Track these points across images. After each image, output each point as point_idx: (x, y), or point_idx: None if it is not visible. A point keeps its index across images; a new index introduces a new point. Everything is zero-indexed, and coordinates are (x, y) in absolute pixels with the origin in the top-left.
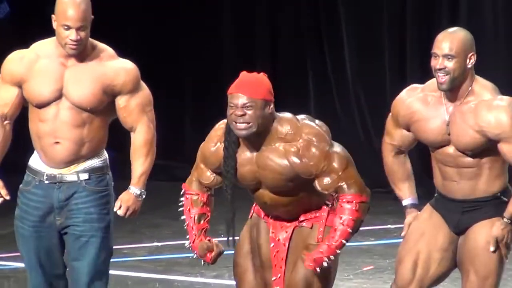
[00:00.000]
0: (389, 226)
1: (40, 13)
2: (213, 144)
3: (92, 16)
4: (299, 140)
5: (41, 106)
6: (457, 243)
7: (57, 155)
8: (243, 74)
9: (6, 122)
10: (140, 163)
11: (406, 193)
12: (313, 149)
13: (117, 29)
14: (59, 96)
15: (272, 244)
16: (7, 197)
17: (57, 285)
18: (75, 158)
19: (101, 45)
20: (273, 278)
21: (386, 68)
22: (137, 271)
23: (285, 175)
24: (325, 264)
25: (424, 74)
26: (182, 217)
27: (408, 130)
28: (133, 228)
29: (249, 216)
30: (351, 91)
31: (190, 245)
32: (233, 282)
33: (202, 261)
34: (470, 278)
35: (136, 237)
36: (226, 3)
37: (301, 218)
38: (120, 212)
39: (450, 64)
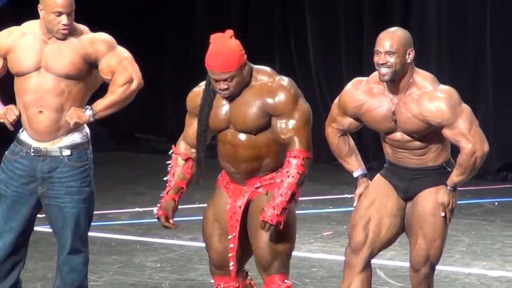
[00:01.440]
0: (346, 195)
1: (36, 2)
2: (195, 89)
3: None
4: (271, 81)
5: (20, 74)
6: (405, 209)
7: (41, 124)
8: (214, 45)
9: None
10: (111, 95)
11: (355, 165)
12: (285, 92)
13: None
14: (37, 67)
15: (229, 207)
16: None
17: (20, 250)
18: (57, 127)
19: (78, 25)
20: (229, 237)
21: (343, 60)
22: (120, 234)
23: (255, 112)
24: (278, 217)
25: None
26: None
27: (357, 120)
28: (117, 196)
29: (215, 187)
30: (314, 79)
31: (162, 198)
32: None
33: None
34: (418, 241)
35: (119, 203)
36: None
37: (257, 184)
38: (68, 118)
39: (391, 59)
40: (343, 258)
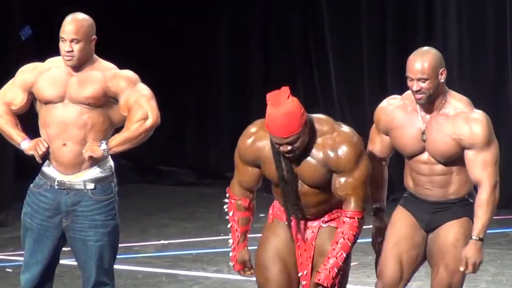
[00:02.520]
0: (370, 226)
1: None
2: (248, 140)
3: (95, 37)
4: (334, 134)
5: (47, 102)
6: (427, 239)
7: (64, 157)
8: (273, 108)
9: (13, 112)
10: (127, 129)
11: (377, 197)
12: (348, 147)
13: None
14: (62, 97)
15: (298, 244)
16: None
17: (46, 283)
18: (81, 160)
19: (104, 61)
20: (299, 274)
21: (365, 80)
22: (146, 266)
23: (320, 170)
24: (333, 279)
25: (401, 86)
26: (226, 217)
27: (388, 135)
28: (142, 228)
29: (269, 221)
30: (336, 102)
31: (232, 250)
32: (232, 276)
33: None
34: (440, 271)
35: (144, 236)
36: (222, 18)
37: (326, 218)
38: (85, 152)
39: (424, 85)
40: (368, 287)
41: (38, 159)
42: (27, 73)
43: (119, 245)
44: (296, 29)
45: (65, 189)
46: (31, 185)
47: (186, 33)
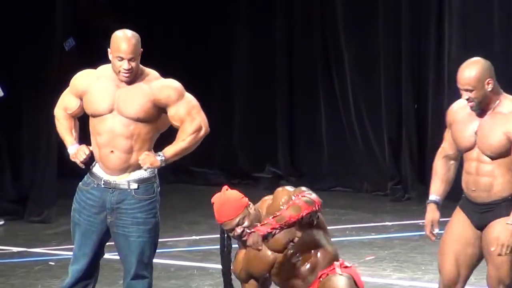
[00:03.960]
0: (386, 223)
1: (100, 47)
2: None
3: (141, 49)
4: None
5: (95, 115)
6: (480, 238)
7: (111, 163)
8: (215, 203)
9: (72, 116)
10: (180, 140)
11: (435, 190)
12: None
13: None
14: (111, 109)
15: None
16: (88, 152)
17: (91, 275)
18: (127, 166)
19: (147, 69)
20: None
21: (382, 85)
22: (179, 260)
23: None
24: None
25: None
26: None
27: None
28: (175, 225)
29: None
30: (352, 109)
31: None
32: None
33: None
34: (489, 267)
35: (177, 232)
36: (243, 23)
37: None
38: (141, 160)
39: (471, 94)
40: (384, 280)
41: (80, 165)
42: (80, 80)
43: None
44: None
45: (110, 188)
46: (80, 183)
47: (210, 33)
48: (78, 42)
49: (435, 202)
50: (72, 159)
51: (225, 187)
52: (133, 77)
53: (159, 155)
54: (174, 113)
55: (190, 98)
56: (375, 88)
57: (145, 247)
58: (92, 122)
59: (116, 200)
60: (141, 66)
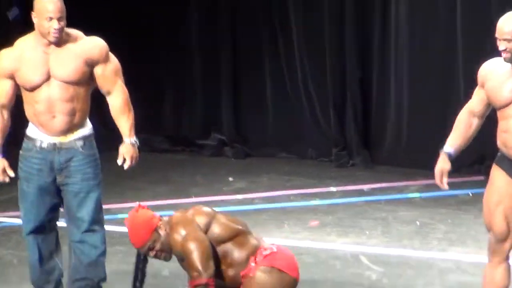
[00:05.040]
0: (331, 188)
1: None
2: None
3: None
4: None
5: (34, 89)
6: None
7: (55, 126)
8: (126, 226)
9: (4, 111)
10: (125, 119)
11: (452, 143)
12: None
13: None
14: (47, 78)
15: None
16: (12, 175)
17: (51, 231)
18: (70, 127)
19: (71, 30)
20: None
21: (327, 52)
22: (123, 226)
23: None
24: None
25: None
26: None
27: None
28: (119, 191)
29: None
30: (298, 75)
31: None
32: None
33: None
34: None
35: (121, 198)
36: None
37: None
38: (126, 164)
39: (509, 45)
40: (328, 245)
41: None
42: (4, 61)
43: None
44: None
45: (56, 149)
46: (21, 151)
47: (160, 14)
48: (22, 11)
49: (449, 154)
50: None
51: (136, 206)
52: (61, 38)
53: (131, 143)
54: (101, 72)
55: (114, 58)
56: (320, 54)
57: (97, 201)
58: (26, 94)
59: (65, 159)
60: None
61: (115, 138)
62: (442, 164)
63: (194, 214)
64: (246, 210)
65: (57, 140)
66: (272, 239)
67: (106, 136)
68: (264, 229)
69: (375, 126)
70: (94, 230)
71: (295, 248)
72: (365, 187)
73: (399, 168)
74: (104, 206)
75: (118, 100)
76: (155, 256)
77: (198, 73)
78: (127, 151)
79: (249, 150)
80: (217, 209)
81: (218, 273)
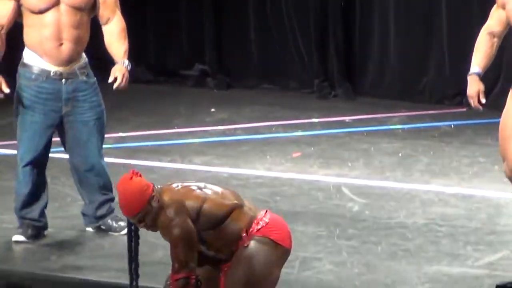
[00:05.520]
0: (313, 120)
1: None
2: None
3: None
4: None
5: (42, 12)
6: None
7: (61, 55)
8: (118, 192)
9: (2, 31)
10: (121, 44)
11: (478, 63)
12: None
13: None
14: (56, 2)
15: None
16: (7, 91)
17: (43, 172)
18: (74, 56)
19: None
20: None
21: None
22: (106, 157)
23: None
24: None
25: None
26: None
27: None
28: None
29: None
30: (282, 5)
31: None
32: (184, 166)
33: None
34: None
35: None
36: None
37: None
38: (117, 83)
39: None
40: (310, 177)
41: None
42: None
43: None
44: None
45: (62, 78)
46: (21, 81)
47: None
48: None
49: (478, 74)
50: None
51: (131, 172)
52: None
53: (124, 65)
54: (102, 1)
55: None
56: None
57: (103, 128)
58: (31, 18)
59: (72, 89)
60: None
61: (99, 67)
62: (477, 84)
63: (185, 197)
64: (228, 141)
65: (62, 69)
66: (254, 170)
67: (89, 65)
68: (246, 160)
69: (358, 57)
70: (102, 156)
71: (277, 179)
72: (347, 118)
73: (381, 100)
74: None
75: (116, 27)
76: (144, 227)
77: (182, 4)
78: (119, 69)
79: (232, 81)
80: (199, 140)
81: (213, 255)
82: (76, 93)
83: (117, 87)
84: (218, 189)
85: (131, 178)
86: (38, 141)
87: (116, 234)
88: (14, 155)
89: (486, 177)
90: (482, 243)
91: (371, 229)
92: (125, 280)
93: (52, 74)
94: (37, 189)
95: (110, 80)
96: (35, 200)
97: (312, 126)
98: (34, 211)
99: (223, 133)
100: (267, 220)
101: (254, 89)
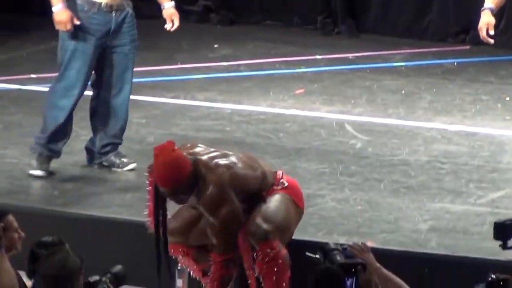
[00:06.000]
0: (317, 56)
1: None
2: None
3: None
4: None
5: None
6: None
7: None
8: (159, 163)
9: None
10: None
11: (490, 0)
12: (214, 187)
13: None
14: None
15: None
16: (78, 23)
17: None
18: None
19: None
20: None
21: None
22: None
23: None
24: None
25: None
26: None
27: None
28: None
29: None
30: None
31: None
32: (188, 102)
33: None
34: None
35: None
36: None
37: None
38: (175, 26)
39: None
40: (314, 113)
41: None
42: None
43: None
44: None
45: (112, 10)
46: (78, 12)
47: None
48: None
49: (491, 9)
50: (57, 25)
51: (170, 143)
52: None
53: (173, 5)
54: None
55: None
56: None
57: (134, 63)
58: None
59: (120, 21)
60: None
61: None
62: (487, 18)
63: (225, 172)
64: (231, 77)
65: (112, 1)
66: (257, 107)
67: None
68: (249, 96)
69: None
70: (130, 89)
71: (280, 115)
72: (351, 55)
73: (385, 37)
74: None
75: None
76: (174, 199)
77: None
78: (173, 13)
79: (235, 17)
80: (202, 76)
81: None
82: (122, 24)
83: (174, 29)
84: (244, 157)
85: (173, 150)
86: (87, 72)
87: (119, 170)
88: (17, 90)
89: (489, 115)
90: (484, 180)
91: (374, 166)
92: (126, 215)
93: (103, 5)
94: (69, 123)
95: (168, 27)
96: (65, 135)
97: (315, 62)
98: (59, 145)
99: (226, 69)
100: (285, 183)
101: (257, 25)
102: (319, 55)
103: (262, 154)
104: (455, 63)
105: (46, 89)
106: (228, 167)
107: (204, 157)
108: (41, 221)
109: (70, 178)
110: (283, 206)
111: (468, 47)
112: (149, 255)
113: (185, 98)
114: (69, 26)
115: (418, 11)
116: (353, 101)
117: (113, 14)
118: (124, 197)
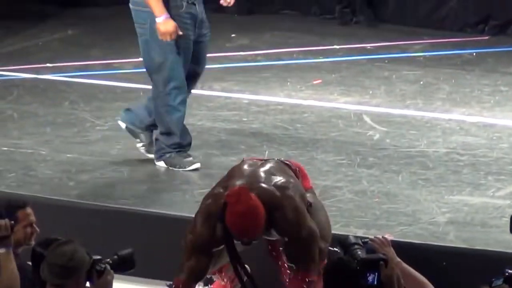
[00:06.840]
0: (335, 46)
1: None
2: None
3: None
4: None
5: None
6: None
7: None
8: (236, 214)
9: None
10: None
11: None
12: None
13: None
14: None
15: None
16: (181, 33)
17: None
18: None
19: None
20: None
21: None
22: (125, 82)
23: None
24: None
25: None
26: None
27: None
28: (122, 46)
29: None
30: None
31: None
32: (205, 92)
33: None
34: None
35: (124, 53)
36: None
37: None
38: (232, 2)
39: None
40: (331, 104)
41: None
42: None
43: (99, 62)
44: None
45: (194, 3)
46: (171, 12)
47: None
48: None
49: None
50: (162, 36)
51: (244, 189)
52: None
53: None
54: None
55: None
56: None
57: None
58: None
59: (201, 11)
60: None
61: None
62: None
63: (287, 193)
64: (248, 67)
65: None
66: (275, 97)
67: None
68: (266, 86)
69: None
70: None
71: (297, 106)
72: (369, 45)
73: (403, 27)
74: (106, 61)
75: None
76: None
77: None
78: None
79: (253, 7)
80: (219, 65)
81: None
82: (202, 14)
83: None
84: (272, 161)
85: (251, 197)
86: (186, 65)
87: (148, 155)
88: (32, 79)
89: (508, 106)
90: (503, 173)
91: (391, 158)
92: (142, 207)
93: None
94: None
95: (225, 3)
96: (186, 127)
97: (333, 52)
98: (188, 138)
99: (244, 59)
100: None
101: (275, 15)
102: (337, 45)
103: (279, 145)
104: (474, 54)
105: (62, 78)
106: (288, 183)
107: (264, 185)
108: (56, 211)
109: (85, 169)
110: (324, 211)
111: (487, 37)
112: (162, 247)
113: (202, 88)
114: (174, 36)
115: (437, 1)
116: (371, 92)
117: (196, 5)
118: (139, 189)
